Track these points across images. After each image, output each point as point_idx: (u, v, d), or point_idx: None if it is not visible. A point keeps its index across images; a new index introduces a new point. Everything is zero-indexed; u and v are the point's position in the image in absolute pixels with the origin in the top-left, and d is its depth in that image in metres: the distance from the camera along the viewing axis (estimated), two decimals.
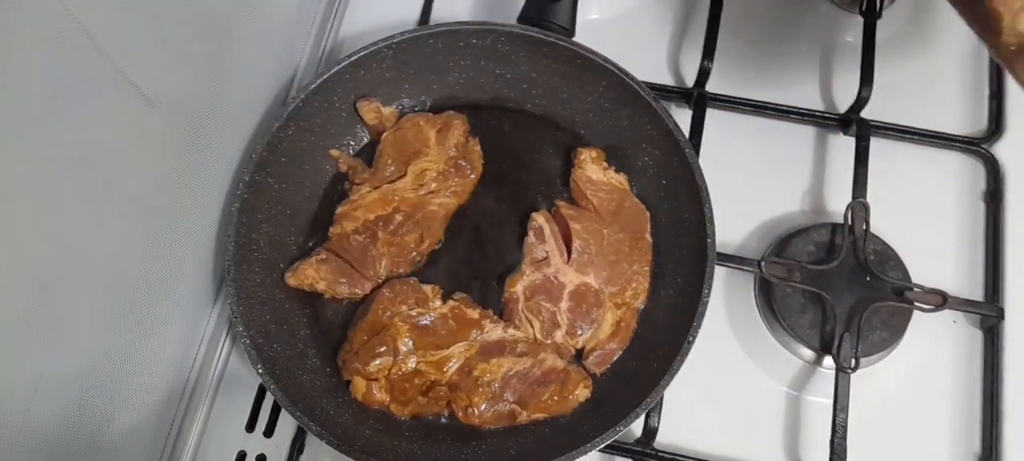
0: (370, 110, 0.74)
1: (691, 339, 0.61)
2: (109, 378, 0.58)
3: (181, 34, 0.58)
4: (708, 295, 0.63)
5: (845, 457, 0.63)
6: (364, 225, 0.70)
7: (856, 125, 0.75)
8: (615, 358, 0.67)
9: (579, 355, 0.67)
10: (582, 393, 0.65)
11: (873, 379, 0.68)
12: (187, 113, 0.61)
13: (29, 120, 0.44)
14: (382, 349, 0.64)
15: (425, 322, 0.67)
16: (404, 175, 0.72)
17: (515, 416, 0.65)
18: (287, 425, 0.69)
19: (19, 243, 0.46)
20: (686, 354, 0.61)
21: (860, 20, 0.78)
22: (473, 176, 0.73)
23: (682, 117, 0.74)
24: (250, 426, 0.70)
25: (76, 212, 0.50)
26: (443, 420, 0.66)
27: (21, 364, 0.49)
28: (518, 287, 0.69)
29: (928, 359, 0.69)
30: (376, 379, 0.65)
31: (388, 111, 0.75)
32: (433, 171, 0.72)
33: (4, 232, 0.45)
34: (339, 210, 0.71)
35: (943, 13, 0.82)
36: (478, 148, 0.74)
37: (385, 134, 0.75)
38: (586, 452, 0.60)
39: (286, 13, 0.75)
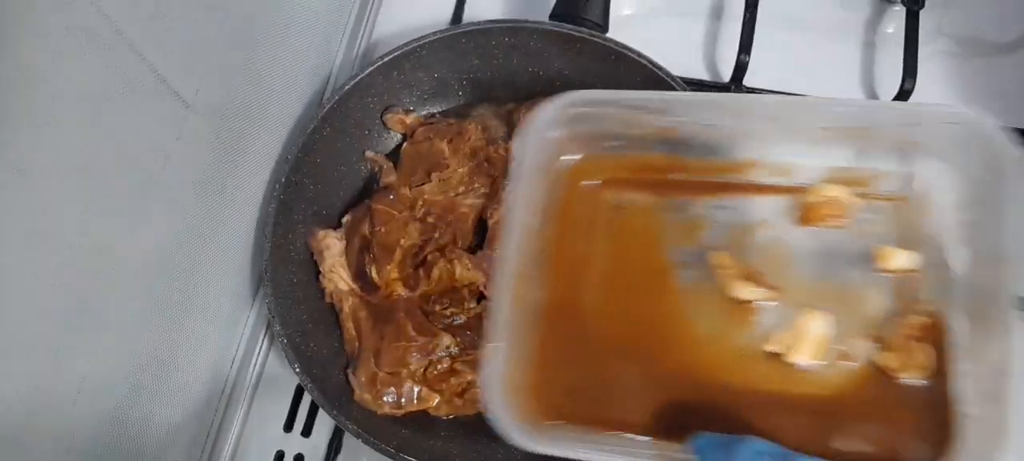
0: (395, 120, 0.75)
1: None
2: (150, 378, 0.59)
3: (217, 36, 0.58)
4: None
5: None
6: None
7: None
8: None
9: None
10: None
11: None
12: (224, 115, 0.62)
13: (67, 123, 0.45)
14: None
15: (460, 321, 0.67)
16: (430, 180, 0.72)
17: None
18: (324, 425, 0.70)
19: (60, 246, 0.47)
20: None
21: (903, 10, 0.76)
22: (497, 176, 0.72)
23: None
24: (288, 426, 0.70)
25: (115, 214, 0.51)
26: (479, 419, 0.66)
27: (64, 366, 0.49)
28: None
29: None
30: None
31: (412, 119, 0.75)
32: (454, 178, 0.72)
33: (45, 235, 0.45)
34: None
35: (989, 3, 0.80)
36: (501, 151, 0.73)
37: (404, 146, 0.75)
38: None
39: (321, 15, 0.76)
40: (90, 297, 0.50)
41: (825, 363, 0.55)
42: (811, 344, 0.55)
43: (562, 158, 0.61)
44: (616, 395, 0.57)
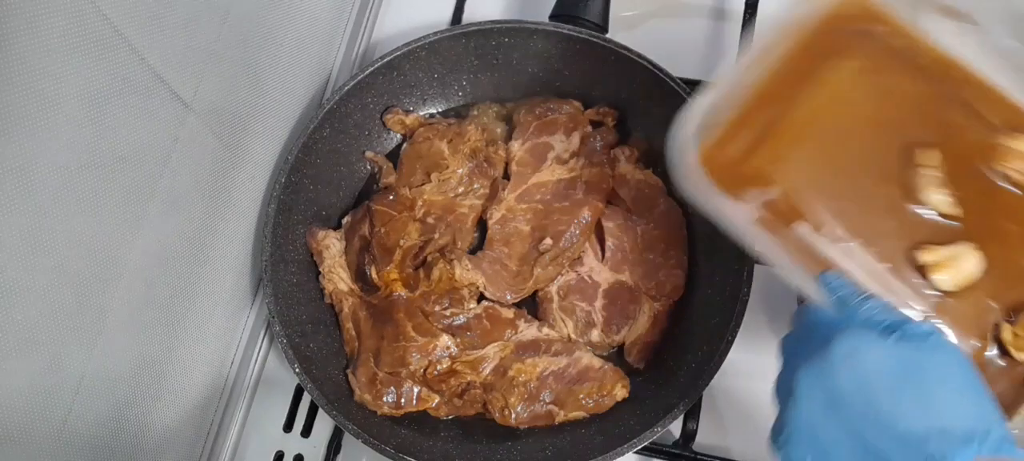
0: (395, 121, 0.75)
1: (730, 338, 0.60)
2: (149, 378, 0.59)
3: (216, 37, 0.58)
4: (747, 294, 0.61)
5: None
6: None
7: None
8: (653, 350, 0.66)
9: (615, 354, 0.67)
10: (620, 392, 0.64)
11: None
12: (223, 115, 0.62)
13: (68, 124, 0.45)
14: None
15: (459, 322, 0.67)
16: (429, 181, 0.73)
17: (552, 416, 0.64)
18: (324, 425, 0.70)
19: (60, 246, 0.47)
20: (726, 353, 0.60)
21: None
22: (496, 176, 0.73)
23: None
24: (288, 426, 0.70)
25: (114, 214, 0.51)
26: (479, 420, 0.66)
27: (63, 366, 0.49)
28: (552, 287, 0.68)
29: None
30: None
31: (411, 119, 0.75)
32: (454, 178, 0.72)
33: (45, 235, 0.45)
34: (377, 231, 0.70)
35: None
36: (500, 152, 0.73)
37: (404, 147, 0.75)
38: (624, 453, 0.59)
39: (320, 16, 0.76)
40: (90, 297, 0.50)
41: (958, 292, 0.53)
42: (957, 273, 0.53)
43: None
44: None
